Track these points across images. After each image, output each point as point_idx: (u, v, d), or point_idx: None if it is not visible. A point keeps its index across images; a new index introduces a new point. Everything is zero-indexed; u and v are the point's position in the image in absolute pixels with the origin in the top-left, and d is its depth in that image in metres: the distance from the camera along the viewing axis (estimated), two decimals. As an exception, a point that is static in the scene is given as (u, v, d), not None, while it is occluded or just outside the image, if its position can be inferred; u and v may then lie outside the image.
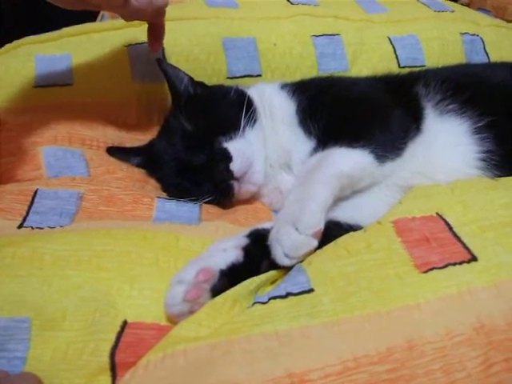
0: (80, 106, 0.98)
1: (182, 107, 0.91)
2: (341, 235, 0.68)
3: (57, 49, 1.02)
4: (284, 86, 0.97)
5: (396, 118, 0.86)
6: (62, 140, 0.91)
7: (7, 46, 1.02)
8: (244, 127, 0.87)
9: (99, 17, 1.29)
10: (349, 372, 0.48)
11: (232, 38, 1.10)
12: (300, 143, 0.88)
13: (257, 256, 0.67)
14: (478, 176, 0.82)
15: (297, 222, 0.66)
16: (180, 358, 0.51)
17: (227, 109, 0.91)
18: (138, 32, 1.04)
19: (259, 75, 1.10)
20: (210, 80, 1.05)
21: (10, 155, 0.88)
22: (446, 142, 0.85)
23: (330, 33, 1.17)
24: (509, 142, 0.83)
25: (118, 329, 0.56)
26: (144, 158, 0.94)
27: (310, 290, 0.57)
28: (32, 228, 0.70)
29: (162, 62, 0.98)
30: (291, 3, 1.23)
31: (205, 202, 0.84)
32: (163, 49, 1.04)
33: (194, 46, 1.07)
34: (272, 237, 0.67)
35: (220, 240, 0.70)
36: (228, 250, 0.66)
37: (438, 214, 0.67)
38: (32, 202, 0.75)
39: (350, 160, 0.78)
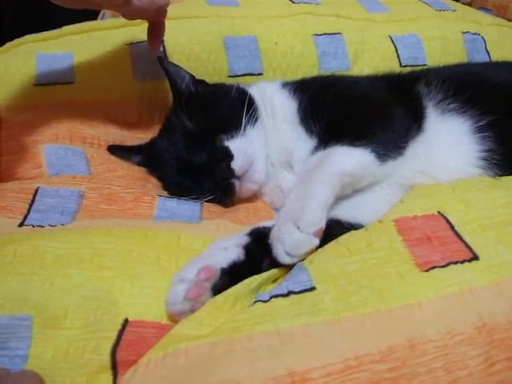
0: (81, 105, 0.99)
1: (184, 106, 0.91)
2: (342, 234, 0.68)
3: (58, 47, 1.02)
4: (285, 85, 0.97)
5: (397, 117, 0.86)
6: (63, 138, 0.92)
7: (8, 44, 1.02)
8: (245, 126, 0.87)
9: (100, 15, 1.29)
10: (350, 371, 0.48)
11: (233, 37, 1.10)
12: (301, 142, 0.88)
13: (258, 254, 0.67)
14: (480, 175, 0.82)
15: (298, 221, 0.66)
16: (181, 357, 0.51)
17: (228, 107, 0.91)
18: (139, 30, 1.04)
19: (260, 74, 1.10)
20: (211, 78, 1.05)
21: (11, 153, 0.88)
22: (448, 141, 0.85)
23: (331, 32, 1.16)
24: (510, 141, 0.82)
25: (119, 327, 0.56)
26: (145, 157, 0.94)
27: (312, 289, 0.57)
28: (33, 226, 0.70)
29: (163, 60, 0.98)
30: (292, 2, 1.23)
31: (206, 201, 0.84)
32: (164, 47, 1.04)
33: (195, 44, 1.07)
34: (273, 235, 0.67)
35: (221, 238, 0.70)
36: (229, 249, 0.66)
37: (439, 212, 0.67)
38: (33, 201, 0.75)
39: (352, 159, 0.78)
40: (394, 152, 0.81)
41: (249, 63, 1.09)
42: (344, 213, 0.77)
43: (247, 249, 0.67)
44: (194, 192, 0.84)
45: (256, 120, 0.89)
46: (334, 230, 0.71)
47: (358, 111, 0.87)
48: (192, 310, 0.59)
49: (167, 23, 0.95)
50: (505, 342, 0.50)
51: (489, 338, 0.50)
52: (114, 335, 0.55)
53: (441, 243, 0.61)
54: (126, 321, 0.57)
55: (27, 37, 1.04)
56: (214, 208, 0.85)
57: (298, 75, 1.10)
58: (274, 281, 0.66)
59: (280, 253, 0.65)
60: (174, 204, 0.82)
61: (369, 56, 1.17)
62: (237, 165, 0.82)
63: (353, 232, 0.68)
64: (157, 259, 0.65)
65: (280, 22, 1.16)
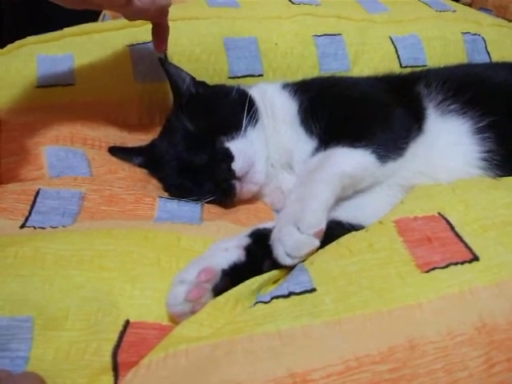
0: (82, 106, 0.99)
1: (184, 107, 0.91)
2: (343, 235, 0.68)
3: (59, 49, 1.02)
4: (285, 86, 0.97)
5: (398, 118, 0.86)
6: (64, 140, 0.92)
7: (9, 46, 1.02)
8: (246, 127, 0.87)
9: (101, 17, 1.30)
10: (351, 372, 0.48)
11: (233, 38, 1.10)
12: (301, 143, 0.88)
13: (259, 256, 0.67)
14: (480, 176, 0.82)
15: (299, 222, 0.66)
16: (182, 358, 0.51)
17: (229, 109, 0.91)
18: (140, 32, 1.04)
19: (261, 75, 1.10)
20: (212, 80, 1.05)
21: (12, 155, 0.88)
22: (448, 142, 0.85)
23: (331, 33, 1.16)
24: (510, 142, 0.82)
25: (120, 328, 0.56)
26: (146, 158, 0.94)
27: (312, 290, 0.57)
28: (34, 228, 0.71)
29: (164, 61, 0.98)
30: (293, 3, 1.23)
31: (206, 202, 0.84)
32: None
33: (196, 45, 1.07)
34: (274, 236, 0.67)
35: (222, 240, 0.70)
36: (230, 250, 0.66)
37: (439, 213, 0.67)
38: (34, 202, 0.76)
39: (352, 160, 0.78)
40: (395, 153, 0.81)
41: (249, 64, 1.09)
42: (344, 214, 0.78)
43: (248, 250, 0.67)
44: (194, 193, 0.84)
45: (256, 121, 0.89)
46: (334, 231, 0.71)
47: (359, 112, 0.87)
48: (193, 312, 0.59)
49: (167, 24, 0.95)
50: (505, 342, 0.50)
51: (489, 339, 0.50)
52: (115, 336, 0.56)
53: (441, 244, 0.61)
54: (127, 322, 0.57)
55: (28, 38, 1.04)
56: (214, 209, 0.85)
57: (298, 76, 1.10)
58: (275, 282, 0.66)
59: (281, 254, 0.65)
60: (174, 205, 0.82)
61: (369, 57, 1.17)
62: (237, 166, 0.82)
63: (353, 233, 0.68)
64: (157, 260, 0.65)
65: (280, 23, 1.16)
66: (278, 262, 0.65)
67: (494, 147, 0.83)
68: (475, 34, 1.27)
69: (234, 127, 0.86)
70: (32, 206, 0.75)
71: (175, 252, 0.67)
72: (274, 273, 0.66)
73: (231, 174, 0.82)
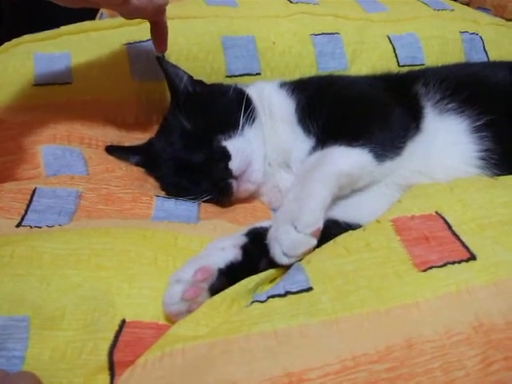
0: (79, 105, 0.98)
1: (181, 106, 0.91)
2: (340, 234, 0.68)
3: (56, 47, 1.02)
4: (283, 85, 0.97)
5: (395, 117, 0.86)
6: (61, 139, 0.91)
7: (6, 44, 1.02)
8: (243, 126, 0.87)
9: (98, 15, 1.29)
10: (347, 371, 0.48)
11: (231, 37, 1.10)
12: (299, 142, 0.88)
13: (255, 255, 0.67)
14: (478, 175, 0.82)
15: (296, 221, 0.65)
16: (178, 357, 0.51)
17: (226, 107, 0.91)
18: (137, 30, 1.04)
19: (258, 74, 1.10)
20: (209, 79, 1.05)
21: (9, 154, 0.88)
22: (446, 141, 0.85)
23: (329, 32, 1.16)
24: (508, 141, 0.83)
25: (116, 328, 0.56)
26: (143, 157, 0.94)
27: (309, 289, 0.57)
28: (30, 227, 0.70)
29: (161, 60, 0.97)
30: (290, 2, 1.23)
31: (203, 201, 0.84)
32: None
33: (193, 44, 1.07)
34: (271, 235, 0.67)
35: (218, 239, 0.70)
36: (226, 249, 0.66)
37: (437, 212, 0.67)
38: (30, 201, 0.75)
39: (349, 159, 0.78)
40: (392, 152, 0.81)
41: (247, 63, 1.09)
42: (342, 213, 0.77)
43: (244, 249, 0.67)
44: (191, 192, 0.84)
45: (254, 120, 0.89)
46: (331, 230, 0.71)
47: (356, 111, 0.86)
48: (189, 311, 0.59)
49: (165, 23, 0.95)
50: (502, 342, 0.50)
51: (486, 338, 0.50)
52: (111, 336, 0.56)
53: (438, 243, 0.61)
54: (124, 321, 0.57)
55: (25, 37, 1.04)
56: (211, 208, 0.85)
57: (296, 75, 1.10)
58: (272, 281, 0.66)
59: (277, 253, 0.65)
60: (171, 204, 0.82)
61: (367, 56, 1.17)
62: (234, 165, 0.82)
63: (350, 232, 0.68)
64: (154, 259, 0.65)
65: (278, 21, 1.15)
66: (275, 261, 0.65)
67: (491, 146, 0.83)
68: (473, 33, 1.27)
69: (231, 126, 0.86)
70: (28, 205, 0.74)
71: (172, 251, 0.67)
72: (271, 272, 0.66)
73: (228, 173, 0.82)
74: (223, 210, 0.86)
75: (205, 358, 0.50)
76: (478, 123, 0.84)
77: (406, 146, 0.83)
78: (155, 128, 0.98)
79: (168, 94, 1.01)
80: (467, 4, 1.61)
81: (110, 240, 0.67)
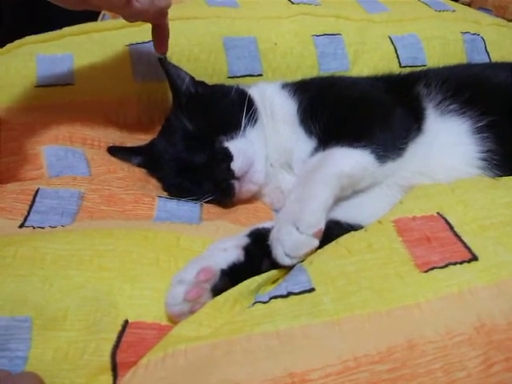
0: (81, 106, 0.99)
1: (183, 107, 0.91)
2: (341, 235, 0.68)
3: (58, 49, 1.02)
4: (285, 86, 0.97)
5: (397, 118, 0.86)
6: (64, 139, 0.92)
7: (8, 45, 1.02)
8: (245, 127, 0.87)
9: (100, 16, 1.29)
10: (349, 372, 0.48)
11: (233, 38, 1.10)
12: (301, 143, 0.88)
13: (257, 255, 0.67)
14: (479, 175, 0.82)
15: (298, 222, 0.66)
16: (181, 358, 0.51)
17: (228, 108, 0.91)
18: (140, 31, 1.04)
19: (260, 75, 1.10)
20: (211, 79, 1.05)
21: (12, 155, 0.88)
22: (447, 142, 0.85)
23: (330, 32, 1.16)
24: (509, 142, 0.82)
25: (119, 328, 0.56)
26: (145, 158, 0.94)
27: (311, 290, 0.57)
28: (33, 227, 0.71)
29: (163, 61, 0.97)
30: (292, 3, 1.23)
31: (205, 202, 0.84)
32: (164, 48, 1.04)
33: (195, 45, 1.07)
34: (273, 236, 0.67)
35: (221, 239, 0.70)
36: (229, 250, 0.66)
37: (438, 213, 0.67)
38: (33, 202, 0.76)
39: (351, 160, 0.78)
40: (394, 153, 0.81)
41: (248, 64, 1.09)
42: (343, 214, 0.77)
43: (247, 250, 0.67)
44: (193, 193, 0.84)
45: (256, 121, 0.89)
46: (333, 231, 0.71)
47: (358, 112, 0.87)
48: (191, 311, 0.59)
49: (166, 24, 0.95)
50: (504, 342, 0.50)
51: (488, 339, 0.50)
52: (113, 336, 0.56)
53: (440, 244, 0.61)
54: (126, 322, 0.57)
55: (27, 38, 1.04)
56: (213, 209, 0.85)
57: (298, 76, 1.10)
58: (274, 282, 0.66)
59: (279, 254, 0.65)
60: (173, 205, 0.82)
61: (368, 56, 1.17)
62: (236, 166, 0.82)
63: (352, 233, 0.68)
64: (156, 260, 0.65)
65: (279, 22, 1.16)
66: (277, 262, 0.65)
67: (493, 147, 0.83)
68: (475, 34, 1.27)
69: (233, 127, 0.86)
70: (31, 206, 0.75)
71: (174, 252, 0.67)
72: (273, 273, 0.66)
73: (230, 174, 0.82)
74: (225, 210, 0.86)
75: (207, 359, 0.50)
76: (480, 124, 0.84)
77: (407, 147, 0.83)
78: (157, 129, 0.99)
79: (170, 95, 1.01)
80: (468, 5, 1.61)
81: (112, 241, 0.67)
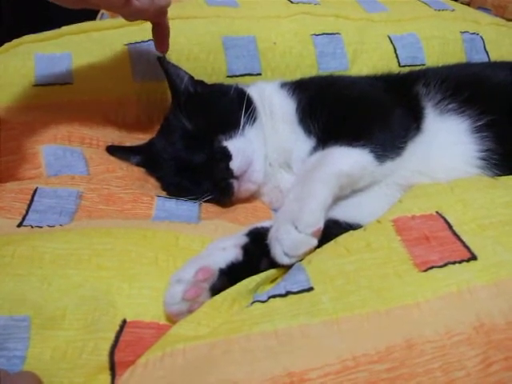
0: (80, 105, 0.98)
1: (182, 106, 0.91)
2: (340, 234, 0.68)
3: (56, 48, 1.02)
4: (284, 85, 0.97)
5: (396, 118, 0.86)
6: (62, 139, 0.91)
7: (7, 44, 1.02)
8: (244, 126, 0.87)
9: (99, 15, 1.29)
10: (348, 371, 0.48)
11: (232, 37, 1.10)
12: (300, 142, 0.88)
13: (256, 255, 0.67)
14: (478, 175, 0.82)
15: (296, 221, 0.65)
16: (179, 357, 0.51)
17: (227, 107, 0.91)
18: (139, 31, 1.04)
19: (259, 74, 1.10)
20: (210, 79, 1.05)
21: (10, 154, 0.88)
22: (446, 141, 0.85)
23: (330, 32, 1.16)
24: (509, 141, 0.82)
25: (117, 328, 0.56)
26: (144, 157, 0.94)
27: (310, 289, 0.57)
28: (31, 227, 0.71)
29: (162, 60, 0.97)
30: (291, 2, 1.23)
31: (204, 201, 0.84)
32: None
33: (194, 44, 1.07)
34: (271, 235, 0.67)
35: (219, 239, 0.70)
36: (227, 249, 0.66)
37: (437, 212, 0.67)
38: (32, 201, 0.75)
39: (350, 159, 0.78)
40: (393, 152, 0.81)
41: (247, 63, 1.09)
42: (342, 213, 0.77)
43: (245, 249, 0.67)
44: (192, 192, 0.84)
45: (254, 120, 0.89)
46: (332, 230, 0.71)
47: (357, 111, 0.86)
48: (190, 311, 0.59)
49: (166, 23, 0.95)
50: (503, 342, 0.50)
51: (487, 339, 0.50)
52: (112, 336, 0.56)
53: (439, 243, 0.61)
54: (124, 321, 0.57)
55: (26, 37, 1.04)
56: (212, 208, 0.85)
57: (297, 75, 1.10)
58: (273, 281, 0.66)
59: (278, 253, 0.65)
60: (172, 204, 0.82)
61: (367, 56, 1.17)
62: (235, 165, 0.82)
63: (351, 232, 0.68)
64: (155, 259, 0.65)
65: (279, 22, 1.16)
66: (276, 261, 0.65)
67: (492, 146, 0.83)
68: (474, 33, 1.27)
69: (232, 126, 0.86)
70: (29, 205, 0.75)
71: (173, 251, 0.67)
72: (272, 272, 0.66)
73: (229, 173, 0.82)
74: (224, 210, 0.86)
75: (206, 358, 0.50)
76: (479, 123, 0.84)
77: (406, 146, 0.83)
78: (156, 128, 0.98)
79: (169, 94, 1.01)
80: (468, 4, 1.61)
81: (110, 240, 0.67)
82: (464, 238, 0.61)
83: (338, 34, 1.17)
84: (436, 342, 0.50)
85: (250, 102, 0.90)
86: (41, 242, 0.65)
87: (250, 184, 0.85)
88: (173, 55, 1.04)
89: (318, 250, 0.66)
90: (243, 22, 1.13)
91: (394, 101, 0.89)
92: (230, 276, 0.63)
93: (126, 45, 1.04)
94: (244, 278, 0.63)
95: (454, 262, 0.58)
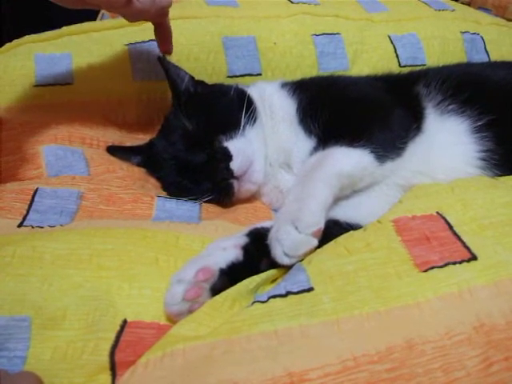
0: (80, 105, 0.99)
1: (183, 106, 0.91)
2: (340, 234, 0.68)
3: (57, 48, 1.02)
4: (284, 85, 0.97)
5: (396, 118, 0.86)
6: (62, 139, 0.92)
7: (7, 45, 1.02)
8: (244, 126, 0.87)
9: (99, 16, 1.29)
10: (348, 371, 0.48)
11: (232, 37, 1.10)
12: (300, 142, 0.88)
13: (256, 255, 0.67)
14: (479, 175, 0.82)
15: (296, 221, 0.65)
16: (179, 358, 0.51)
17: (227, 108, 0.91)
18: (139, 31, 1.04)
19: (259, 74, 1.10)
20: (210, 79, 1.05)
21: (11, 154, 0.88)
22: (447, 142, 0.85)
23: (330, 32, 1.17)
24: (509, 141, 0.83)
25: (117, 328, 0.56)
26: (144, 157, 0.94)
27: (310, 289, 0.57)
28: (32, 227, 0.71)
29: (163, 60, 0.97)
30: (292, 2, 1.23)
31: (205, 201, 0.84)
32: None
33: (194, 45, 1.07)
34: (272, 236, 0.67)
35: (220, 239, 0.70)
36: (228, 249, 0.66)
37: (438, 213, 0.67)
38: (32, 201, 0.76)
39: (351, 159, 0.78)
40: (393, 153, 0.81)
41: (248, 63, 1.09)
42: (342, 213, 0.78)
43: (246, 249, 0.67)
44: (192, 192, 0.84)
45: (255, 120, 0.89)
46: (332, 230, 0.71)
47: (357, 112, 0.87)
48: (190, 311, 0.59)
49: (166, 24, 0.95)
50: (503, 342, 0.50)
51: (487, 339, 0.50)
52: (112, 336, 0.56)
53: (439, 243, 0.61)
54: (125, 322, 0.57)
55: (26, 37, 1.04)
56: (212, 208, 0.85)
57: (297, 75, 1.10)
58: (273, 281, 0.66)
59: (278, 254, 0.65)
60: (173, 204, 0.82)
61: (368, 56, 1.17)
62: (236, 165, 0.82)
63: (351, 232, 0.68)
64: (155, 260, 0.65)
65: (279, 22, 1.16)
66: (276, 262, 0.65)
67: (492, 146, 0.83)
68: (474, 33, 1.27)
69: (232, 126, 0.86)
70: (30, 205, 0.75)
71: (173, 251, 0.67)
72: (272, 272, 0.66)
73: (229, 174, 0.82)
74: (224, 210, 0.86)
75: (206, 359, 0.50)
76: (479, 123, 0.84)
77: (406, 146, 0.83)
78: (156, 128, 0.98)
79: (169, 94, 1.00)
80: (468, 4, 1.60)
81: (111, 240, 0.67)
82: (464, 238, 0.61)
83: (338, 34, 1.17)
84: (436, 342, 0.50)
85: (250, 103, 0.90)
86: (41, 242, 0.65)
87: (251, 184, 0.85)
88: (173, 55, 1.04)
89: (318, 250, 0.66)
90: (243, 22, 1.13)
91: (394, 101, 0.89)
92: (230, 276, 0.63)
93: (126, 45, 1.04)
94: (244, 279, 0.63)
95: (454, 263, 0.58)
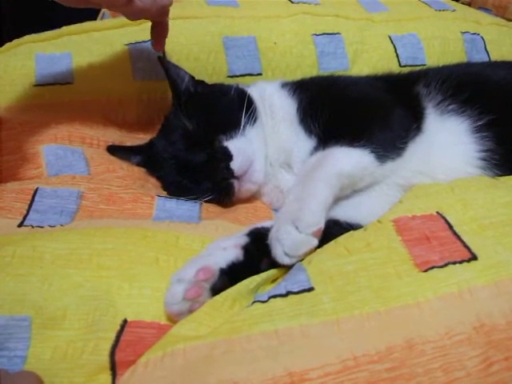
0: (80, 105, 0.99)
1: (183, 106, 0.91)
2: (341, 234, 0.68)
3: (57, 47, 1.02)
4: (284, 85, 0.97)
5: (397, 118, 0.86)
6: (63, 138, 0.92)
7: (7, 44, 1.02)
8: (244, 126, 0.87)
9: (100, 15, 1.29)
10: (348, 371, 0.48)
11: (232, 37, 1.10)
12: (300, 142, 0.88)
13: (257, 255, 0.67)
14: (479, 175, 0.82)
15: (297, 221, 0.65)
16: (179, 357, 0.51)
17: (227, 107, 0.91)
18: (139, 30, 1.04)
19: (259, 74, 1.10)
20: (211, 79, 1.05)
21: (11, 154, 0.88)
22: (447, 141, 0.85)
23: (330, 32, 1.17)
24: (509, 141, 0.82)
25: (117, 327, 0.56)
26: (144, 157, 0.94)
27: (310, 289, 0.57)
28: (32, 227, 0.71)
29: (163, 60, 0.97)
30: (292, 2, 1.23)
31: (205, 201, 0.84)
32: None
33: (194, 44, 1.07)
34: (272, 236, 0.67)
35: (220, 239, 0.70)
36: (228, 249, 0.66)
37: (438, 212, 0.67)
38: (32, 201, 0.75)
39: (351, 159, 0.78)
40: (393, 153, 0.81)
41: (248, 63, 1.09)
42: (343, 213, 0.78)
43: (246, 249, 0.67)
44: (193, 192, 0.84)
45: (255, 120, 0.89)
46: (332, 230, 0.71)
47: (357, 112, 0.86)
48: (191, 311, 0.59)
49: (166, 23, 0.95)
50: (503, 342, 0.50)
51: (487, 339, 0.50)
52: (112, 336, 0.56)
53: (439, 243, 0.61)
54: (125, 321, 0.57)
55: (26, 37, 1.04)
56: (213, 208, 0.85)
57: (297, 75, 1.10)
58: (273, 281, 0.66)
59: (279, 253, 0.65)
60: (173, 204, 0.82)
61: (368, 56, 1.17)
62: (236, 165, 0.82)
63: (351, 232, 0.68)
64: (155, 259, 0.65)
65: (279, 22, 1.16)
66: (276, 262, 0.65)
67: (492, 146, 0.83)
68: (474, 34, 1.27)
69: (232, 126, 0.86)
70: (30, 205, 0.75)
71: (173, 251, 0.67)
72: (272, 272, 0.66)
73: (230, 173, 0.82)
74: (225, 210, 0.86)
75: (206, 358, 0.50)
76: (479, 123, 0.84)
77: (407, 146, 0.83)
78: (156, 128, 0.98)
79: (169, 94, 1.00)
80: (468, 4, 1.61)
81: (111, 240, 0.67)
82: (464, 238, 0.61)
83: (338, 33, 1.17)
84: (436, 342, 0.50)
85: (250, 102, 0.90)
86: (41, 241, 0.65)
87: (251, 184, 0.85)
88: (173, 55, 1.05)
89: (318, 250, 0.66)
90: (243, 22, 1.13)
91: (394, 101, 0.89)
92: (230, 276, 0.63)
93: (126, 45, 1.04)
94: (245, 278, 0.63)
95: (454, 262, 0.58)
